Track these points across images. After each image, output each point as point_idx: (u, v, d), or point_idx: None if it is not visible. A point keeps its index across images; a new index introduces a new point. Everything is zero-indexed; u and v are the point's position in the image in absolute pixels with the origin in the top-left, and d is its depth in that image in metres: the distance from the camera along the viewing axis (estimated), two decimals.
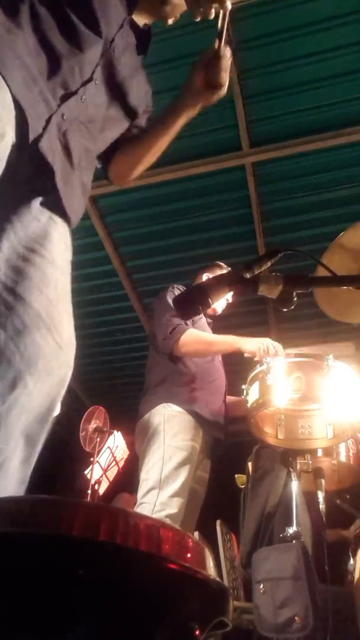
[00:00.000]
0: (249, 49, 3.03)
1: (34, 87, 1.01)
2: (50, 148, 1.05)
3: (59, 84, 1.07)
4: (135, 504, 2.17)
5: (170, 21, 1.36)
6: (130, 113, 1.31)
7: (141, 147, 1.38)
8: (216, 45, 1.23)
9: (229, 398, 2.55)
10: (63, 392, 1.01)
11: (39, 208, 1.06)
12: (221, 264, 2.81)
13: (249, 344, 2.38)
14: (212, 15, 1.20)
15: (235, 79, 3.15)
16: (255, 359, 2.31)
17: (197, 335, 2.41)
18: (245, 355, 2.38)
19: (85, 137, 1.17)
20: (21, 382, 0.92)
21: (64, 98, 1.08)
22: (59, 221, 1.10)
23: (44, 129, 1.03)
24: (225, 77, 1.27)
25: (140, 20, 1.31)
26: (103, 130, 1.24)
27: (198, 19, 1.21)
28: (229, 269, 2.76)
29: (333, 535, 2.53)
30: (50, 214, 1.08)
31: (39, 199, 1.06)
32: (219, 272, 2.73)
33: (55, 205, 1.09)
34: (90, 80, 1.13)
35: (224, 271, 2.73)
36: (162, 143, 1.39)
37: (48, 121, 1.04)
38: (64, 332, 1.02)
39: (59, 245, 1.08)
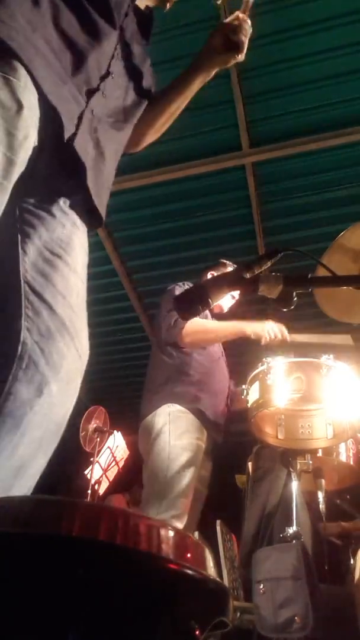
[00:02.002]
0: (249, 49, 3.01)
1: (63, 86, 1.02)
2: (83, 146, 1.05)
3: (84, 81, 1.08)
4: (127, 503, 2.17)
5: (167, 5, 1.37)
6: (145, 95, 1.31)
7: (152, 114, 1.37)
8: (239, 13, 1.27)
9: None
10: (74, 401, 1.02)
11: (62, 212, 1.06)
12: (226, 261, 2.81)
13: (254, 328, 2.38)
14: None
15: (235, 79, 3.14)
16: (262, 343, 2.31)
17: (201, 323, 2.40)
18: (252, 337, 2.38)
19: (114, 128, 1.17)
20: (47, 389, 0.92)
21: (89, 94, 1.09)
22: (80, 226, 1.10)
23: (77, 127, 1.04)
24: (245, 40, 1.28)
25: (142, 3, 1.32)
26: (127, 120, 1.24)
27: (219, 1, 1.22)
28: (234, 266, 2.77)
29: (334, 527, 2.52)
30: (74, 218, 1.08)
31: (62, 202, 1.06)
32: (224, 270, 2.75)
33: (79, 208, 1.09)
34: (107, 74, 1.14)
35: (229, 269, 2.74)
36: (175, 109, 1.38)
37: (80, 119, 1.05)
38: (83, 341, 1.03)
39: (79, 253, 1.08)
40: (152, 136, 1.42)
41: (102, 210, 1.14)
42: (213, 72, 1.34)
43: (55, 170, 1.05)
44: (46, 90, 0.97)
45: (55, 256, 1.01)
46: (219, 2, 1.28)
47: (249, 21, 1.28)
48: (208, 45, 1.30)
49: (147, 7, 1.34)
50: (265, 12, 2.87)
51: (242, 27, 1.27)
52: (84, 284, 1.09)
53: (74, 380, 1.00)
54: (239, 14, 1.28)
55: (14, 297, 0.95)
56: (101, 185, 1.12)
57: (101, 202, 1.12)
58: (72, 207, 1.08)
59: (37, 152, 0.99)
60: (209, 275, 2.73)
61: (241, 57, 1.31)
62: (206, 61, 1.31)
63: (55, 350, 0.95)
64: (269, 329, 2.37)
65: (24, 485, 0.90)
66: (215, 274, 2.72)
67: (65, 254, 1.03)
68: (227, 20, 1.28)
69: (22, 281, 0.96)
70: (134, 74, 1.26)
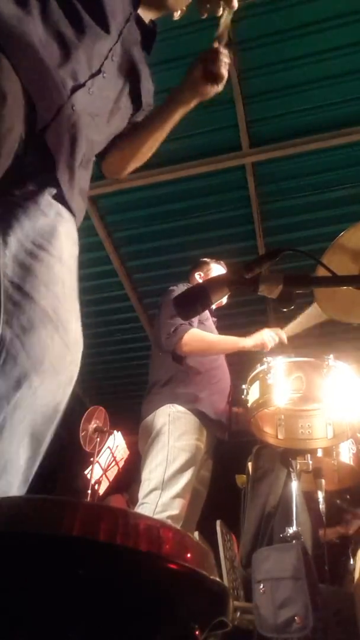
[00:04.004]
0: (249, 49, 3.02)
1: (45, 78, 1.02)
2: (56, 140, 1.05)
3: (69, 75, 1.07)
4: (126, 503, 2.17)
5: (177, 15, 1.36)
6: (136, 105, 1.31)
7: (135, 142, 1.37)
8: (215, 44, 1.26)
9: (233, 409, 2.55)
10: (69, 391, 1.00)
11: (46, 202, 1.04)
12: (207, 259, 2.81)
13: (254, 340, 2.40)
14: (220, 13, 1.22)
15: (235, 79, 3.15)
16: (267, 350, 2.35)
17: (199, 335, 2.41)
18: (254, 350, 2.41)
19: (92, 129, 1.16)
20: (26, 382, 0.90)
21: (74, 89, 1.08)
22: (66, 216, 1.08)
23: (53, 119, 1.03)
24: (224, 71, 1.27)
25: (147, 16, 1.31)
26: (108, 124, 1.23)
27: (204, 16, 1.21)
28: (219, 262, 2.78)
29: (332, 534, 2.53)
30: (58, 208, 1.07)
31: (46, 192, 1.05)
32: (207, 268, 2.76)
33: (62, 199, 1.08)
34: (98, 73, 1.13)
35: (213, 264, 2.76)
36: (157, 138, 1.38)
37: (58, 111, 1.04)
38: (71, 331, 1.01)
39: (66, 242, 1.06)
40: (136, 163, 1.42)
41: (77, 210, 1.12)
42: (193, 104, 1.33)
43: (40, 160, 1.04)
44: (25, 80, 0.97)
45: (37, 247, 1.00)
46: (219, 33, 1.27)
47: (225, 52, 1.27)
48: (188, 77, 1.29)
49: (151, 20, 1.33)
50: (265, 12, 2.87)
51: (219, 58, 1.25)
52: (72, 274, 1.07)
53: (64, 370, 0.97)
54: (215, 45, 1.26)
55: None
56: (73, 183, 1.11)
57: (73, 198, 1.10)
58: (56, 198, 1.07)
59: (25, 142, 0.99)
60: (197, 276, 2.75)
61: (220, 88, 1.30)
62: (187, 93, 1.30)
63: (37, 342, 0.93)
64: (268, 337, 2.40)
65: (14, 479, 0.89)
66: (202, 273, 2.74)
67: (48, 243, 1.02)
68: (204, 52, 1.28)
69: (0, 275, 0.95)
70: (129, 80, 1.25)
